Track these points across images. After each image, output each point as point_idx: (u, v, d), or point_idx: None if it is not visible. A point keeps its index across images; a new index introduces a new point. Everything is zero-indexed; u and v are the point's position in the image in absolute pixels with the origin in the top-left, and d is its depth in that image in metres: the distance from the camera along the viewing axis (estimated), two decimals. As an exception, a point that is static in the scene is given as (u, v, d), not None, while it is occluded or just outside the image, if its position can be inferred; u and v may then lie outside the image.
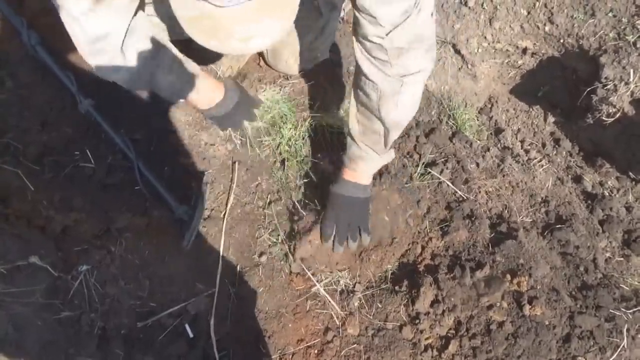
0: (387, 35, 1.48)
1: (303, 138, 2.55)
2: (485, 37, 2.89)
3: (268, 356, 2.10)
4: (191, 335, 2.19)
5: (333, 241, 2.15)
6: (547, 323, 2.07)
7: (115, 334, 2.04)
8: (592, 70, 2.72)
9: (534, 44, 2.88)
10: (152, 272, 2.18)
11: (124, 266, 2.12)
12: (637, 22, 2.57)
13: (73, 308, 1.96)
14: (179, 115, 2.39)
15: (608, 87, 2.61)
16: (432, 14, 1.52)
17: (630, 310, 2.24)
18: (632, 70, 2.50)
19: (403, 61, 1.59)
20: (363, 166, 2.09)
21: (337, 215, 2.15)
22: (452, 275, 2.14)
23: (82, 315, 1.97)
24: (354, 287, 2.22)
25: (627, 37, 2.56)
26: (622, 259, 2.64)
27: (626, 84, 2.53)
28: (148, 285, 2.16)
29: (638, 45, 2.51)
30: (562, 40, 2.80)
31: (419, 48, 1.56)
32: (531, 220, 2.66)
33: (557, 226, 2.60)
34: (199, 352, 2.14)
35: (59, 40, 2.17)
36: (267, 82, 2.61)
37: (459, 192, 2.54)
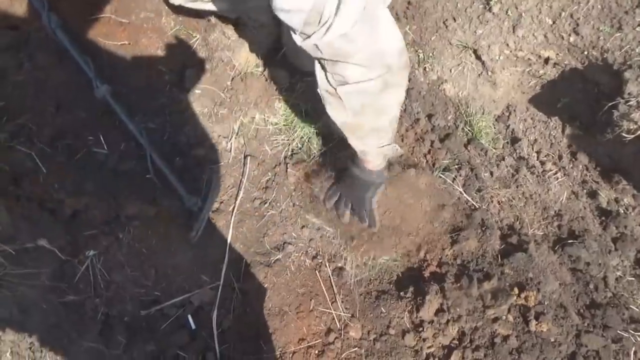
0: (303, 42, 1.49)
1: (317, 136, 2.53)
2: (507, 45, 2.84)
3: (269, 353, 2.09)
4: (193, 326, 2.19)
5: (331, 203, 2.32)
6: (552, 340, 2.04)
7: (118, 320, 2.05)
8: (615, 84, 2.66)
9: (557, 54, 2.82)
10: (158, 262, 2.18)
11: (131, 254, 2.13)
12: (665, 38, 2.51)
13: (78, 292, 1.97)
14: (195, 106, 2.38)
15: (631, 103, 2.54)
16: (345, 34, 1.44)
17: (639, 333, 2.20)
18: (656, 88, 2.44)
19: (337, 70, 1.62)
20: (365, 156, 2.10)
21: (344, 188, 2.28)
22: (459, 284, 2.11)
23: (87, 300, 1.97)
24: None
25: (653, 53, 2.50)
26: (633, 278, 2.59)
27: (650, 100, 2.47)
28: (153, 275, 2.16)
29: (665, 62, 2.45)
30: (586, 53, 2.74)
31: (346, 62, 1.56)
32: (543, 233, 2.62)
33: (569, 241, 2.55)
34: (200, 344, 2.15)
35: (79, 24, 2.17)
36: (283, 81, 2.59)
37: (470, 200, 2.51)
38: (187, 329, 2.17)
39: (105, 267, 2.06)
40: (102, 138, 2.16)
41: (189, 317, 2.20)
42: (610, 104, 2.64)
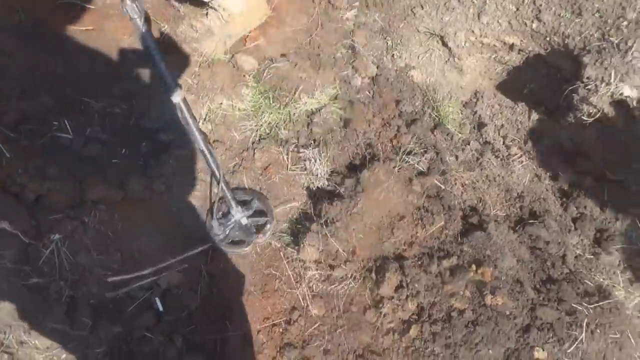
0: None
1: (284, 122, 2.57)
2: (473, 31, 2.90)
3: (234, 332, 2.14)
4: (161, 308, 2.22)
5: None
6: (507, 313, 2.11)
7: (84, 303, 2.07)
8: (575, 69, 2.73)
9: (521, 40, 2.89)
10: (124, 245, 2.20)
11: (97, 237, 2.15)
12: (622, 23, 2.58)
13: (42, 275, 1.99)
14: (161, 92, 2.40)
15: (589, 87, 2.62)
16: None
17: (592, 305, 2.28)
18: (613, 71, 2.51)
19: None
20: None
21: None
22: (419, 262, 2.17)
23: (51, 283, 2.00)
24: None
25: (611, 38, 2.57)
26: (592, 256, 2.68)
27: (607, 84, 2.54)
28: (119, 258, 2.18)
29: (621, 47, 2.52)
30: (548, 38, 2.81)
31: None
32: (505, 214, 2.69)
33: (530, 221, 2.63)
34: (167, 325, 2.18)
35: (44, 9, 2.16)
36: (250, 67, 2.61)
37: (436, 182, 2.57)
38: (154, 311, 2.20)
39: (70, 251, 2.08)
40: (67, 123, 2.17)
41: (157, 299, 2.23)
42: (570, 88, 2.71)
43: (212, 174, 2.09)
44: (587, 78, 2.61)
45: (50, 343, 1.97)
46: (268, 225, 2.34)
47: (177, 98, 1.75)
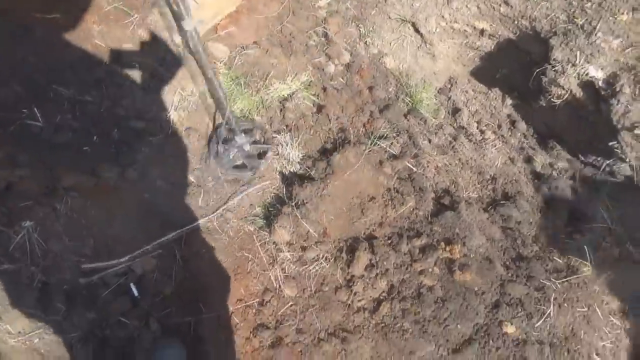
0: None
1: (257, 108, 2.59)
2: (443, 17, 2.94)
3: (208, 314, 2.16)
4: (136, 294, 2.24)
5: None
6: (476, 289, 2.15)
7: (57, 288, 2.08)
8: (544, 52, 2.78)
9: (491, 25, 2.94)
10: (97, 232, 2.21)
11: (69, 224, 2.16)
12: (586, 5, 2.63)
13: (13, 261, 1.99)
14: (133, 80, 2.42)
15: (557, 68, 2.67)
16: None
17: (560, 281, 2.33)
18: (578, 52, 2.56)
19: None
20: None
21: None
22: (389, 242, 2.21)
23: (23, 269, 2.00)
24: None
25: (576, 20, 2.62)
26: (563, 236, 2.74)
27: (573, 65, 2.59)
28: (93, 244, 2.19)
29: (585, 28, 2.58)
30: (516, 22, 2.86)
31: None
32: (477, 195, 2.74)
33: (502, 202, 2.68)
34: (142, 310, 2.20)
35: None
36: (222, 54, 2.63)
37: (408, 165, 2.60)
38: (129, 297, 2.22)
39: (42, 237, 2.08)
40: (36, 111, 2.18)
41: (132, 285, 2.25)
42: (537, 70, 2.76)
43: (218, 105, 2.24)
44: (554, 60, 2.66)
45: (22, 328, 1.98)
46: (269, 152, 2.49)
47: (188, 26, 1.79)
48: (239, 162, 2.48)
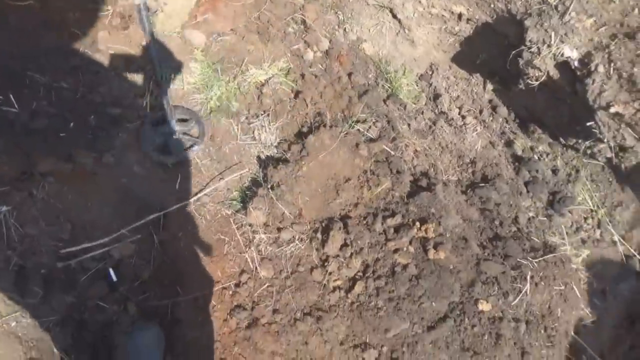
0: None
1: (234, 94, 2.61)
2: (420, 2, 2.95)
3: (185, 296, 2.17)
4: (114, 278, 2.25)
5: None
6: (451, 267, 2.16)
7: (34, 272, 2.09)
8: (520, 34, 2.79)
9: (467, 9, 2.95)
10: (74, 216, 2.23)
11: (46, 209, 2.17)
12: (560, -15, 2.64)
13: (-11, 245, 2.01)
14: (109, 67, 2.43)
15: (532, 49, 2.68)
16: None
17: (537, 259, 2.34)
18: (553, 33, 2.57)
19: None
20: None
21: None
22: (364, 222, 2.22)
23: (-1, 253, 2.02)
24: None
25: (549, 1, 2.63)
26: (545, 218, 2.75)
27: (548, 46, 2.60)
28: (70, 229, 2.21)
29: (559, 8, 2.59)
30: (492, 5, 2.87)
31: None
32: (457, 179, 2.75)
33: (481, 185, 2.69)
34: (121, 294, 2.21)
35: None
36: (199, 41, 2.65)
37: (385, 148, 2.61)
38: (108, 281, 2.23)
39: (18, 222, 2.09)
40: (12, 97, 2.20)
41: (110, 270, 2.26)
42: (514, 52, 2.77)
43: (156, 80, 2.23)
44: (530, 41, 2.67)
45: (-1, 311, 2.00)
46: (195, 147, 2.49)
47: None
48: (163, 148, 2.47)
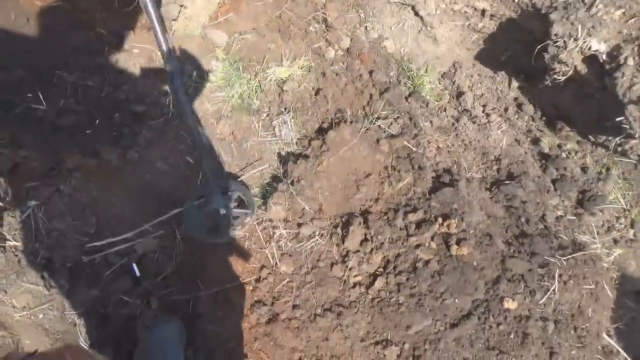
0: None
1: (256, 92, 2.63)
2: (442, -2, 2.93)
3: (206, 291, 2.18)
4: (138, 273, 2.28)
5: None
6: (474, 264, 2.11)
7: (61, 265, 2.14)
8: (545, 28, 2.73)
9: (491, 4, 2.90)
10: (100, 211, 2.27)
11: (72, 204, 2.23)
12: (587, -22, 2.57)
13: (18, 238, 2.07)
14: (133, 65, 2.48)
15: (558, 44, 2.62)
16: None
17: (565, 257, 2.26)
18: (580, 26, 2.50)
19: None
20: None
21: None
22: (385, 217, 2.19)
23: (27, 245, 2.07)
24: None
25: (576, -7, 2.57)
26: (574, 217, 2.66)
27: (575, 39, 2.54)
28: (95, 223, 2.25)
29: (586, 1, 2.52)
30: (516, 0, 2.81)
31: None
32: (481, 176, 2.69)
33: (506, 182, 2.63)
34: (144, 289, 2.24)
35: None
36: (221, 40, 2.68)
37: (407, 144, 2.58)
38: (131, 276, 2.26)
39: (46, 216, 2.15)
40: (40, 95, 2.26)
41: (134, 264, 2.29)
42: (539, 46, 2.71)
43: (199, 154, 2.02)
44: (555, 35, 2.61)
45: (27, 302, 2.05)
46: (248, 219, 2.27)
47: None
48: (212, 228, 2.25)
